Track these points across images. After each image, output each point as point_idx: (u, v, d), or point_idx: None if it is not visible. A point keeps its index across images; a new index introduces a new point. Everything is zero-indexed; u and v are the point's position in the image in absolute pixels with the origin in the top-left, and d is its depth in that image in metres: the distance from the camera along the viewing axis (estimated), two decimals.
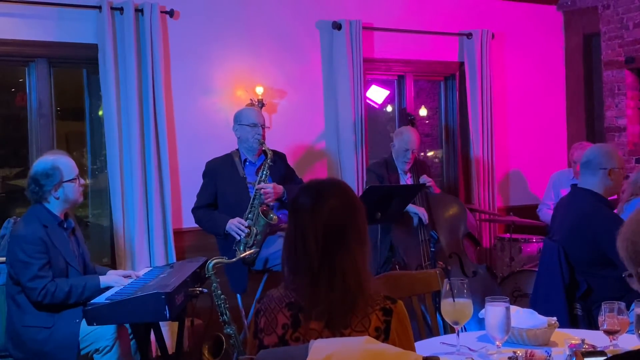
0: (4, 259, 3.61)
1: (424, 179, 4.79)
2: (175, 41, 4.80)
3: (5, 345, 3.49)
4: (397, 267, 4.59)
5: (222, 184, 4.29)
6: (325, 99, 5.32)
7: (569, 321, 3.27)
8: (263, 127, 4.32)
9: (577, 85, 6.37)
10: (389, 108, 6.39)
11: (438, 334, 2.83)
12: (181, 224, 4.79)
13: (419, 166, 4.93)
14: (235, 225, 4.12)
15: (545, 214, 5.36)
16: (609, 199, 3.44)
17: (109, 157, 4.52)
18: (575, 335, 2.40)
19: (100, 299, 3.21)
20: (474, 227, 4.97)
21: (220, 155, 4.40)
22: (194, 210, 4.37)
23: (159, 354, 3.67)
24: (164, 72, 4.68)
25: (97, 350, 3.35)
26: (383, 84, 5.84)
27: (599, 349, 2.11)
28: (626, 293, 2.72)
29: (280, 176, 4.35)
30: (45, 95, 4.51)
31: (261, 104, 4.89)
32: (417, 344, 2.14)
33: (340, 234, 1.87)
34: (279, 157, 4.43)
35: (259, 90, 4.93)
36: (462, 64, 5.90)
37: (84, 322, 3.23)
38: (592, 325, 3.11)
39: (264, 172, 4.19)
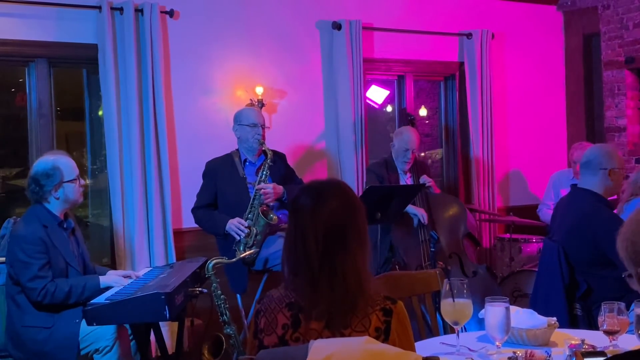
0: (3, 259, 3.61)
1: (424, 179, 4.79)
2: (175, 41, 4.80)
3: (5, 345, 3.49)
4: (397, 267, 4.59)
5: (222, 184, 4.29)
6: (325, 99, 5.32)
7: (569, 321, 3.27)
8: (263, 127, 4.32)
9: (577, 86, 6.37)
10: (389, 108, 6.40)
11: (438, 334, 2.83)
12: (181, 224, 4.79)
13: (419, 166, 4.93)
14: (235, 225, 4.12)
15: (545, 214, 5.36)
16: (608, 199, 3.44)
17: (109, 157, 4.52)
18: (575, 336, 2.40)
19: (100, 299, 3.21)
20: (474, 227, 4.97)
21: (220, 156, 4.40)
22: (193, 210, 4.37)
23: (159, 354, 3.68)
24: (164, 72, 4.68)
25: (97, 350, 3.35)
26: (383, 84, 5.84)
27: (598, 349, 2.11)
28: (626, 293, 2.72)
29: (280, 176, 4.35)
30: (45, 95, 4.51)
31: (261, 104, 4.89)
32: (417, 344, 2.14)
33: (340, 234, 1.87)
34: (278, 157, 4.43)
35: (259, 90, 4.93)
36: (462, 64, 5.90)
37: (83, 322, 3.22)
38: (592, 325, 3.11)
39: (264, 172, 4.19)
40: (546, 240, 3.61)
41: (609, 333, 2.28)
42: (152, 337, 3.58)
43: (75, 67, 4.87)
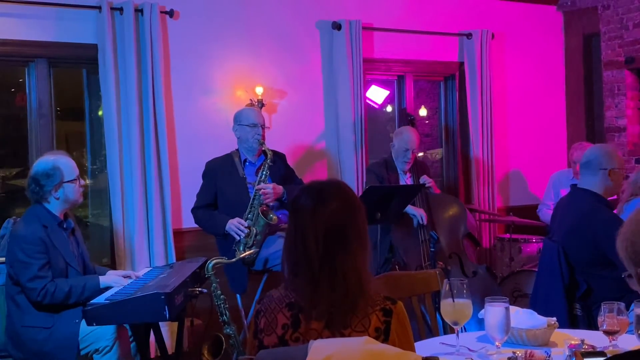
0: (3, 259, 3.61)
1: (424, 179, 4.79)
2: (175, 41, 4.80)
3: (5, 345, 3.49)
4: (397, 267, 4.59)
5: (222, 184, 4.29)
6: (325, 99, 5.32)
7: (569, 321, 3.27)
8: (263, 127, 4.32)
9: (577, 86, 6.37)
10: (389, 108, 6.40)
11: (438, 334, 2.83)
12: (181, 224, 4.79)
13: (418, 166, 4.93)
14: (235, 225, 4.12)
15: (545, 214, 5.36)
16: (608, 199, 3.44)
17: (109, 157, 4.52)
18: (575, 336, 2.40)
19: (100, 299, 3.21)
20: (474, 227, 4.97)
21: (220, 156, 4.40)
22: (193, 210, 4.37)
23: (159, 354, 3.67)
24: (164, 72, 4.68)
25: (96, 350, 3.35)
26: (383, 84, 5.84)
27: (598, 350, 2.11)
28: (626, 293, 2.72)
29: (280, 176, 4.35)
30: (45, 96, 4.51)
31: (261, 104, 4.89)
32: (417, 344, 2.14)
33: (340, 235, 1.87)
34: (278, 157, 4.43)
35: (259, 90, 4.93)
36: (462, 64, 5.90)
37: (83, 322, 3.23)
38: (592, 325, 3.11)
39: (264, 172, 4.19)
40: (546, 241, 3.61)
41: (608, 333, 2.28)
42: (152, 337, 3.58)
43: (75, 67, 4.87)
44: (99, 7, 4.45)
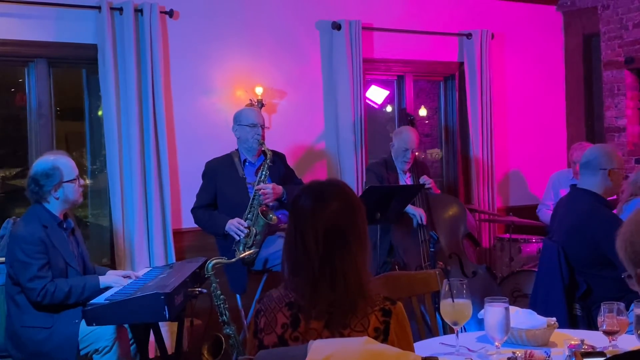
0: (3, 259, 3.61)
1: (424, 179, 4.79)
2: (174, 41, 4.80)
3: (5, 345, 3.49)
4: (396, 267, 4.59)
5: (222, 185, 4.29)
6: (325, 99, 5.32)
7: (569, 321, 3.27)
8: (262, 127, 4.32)
9: (577, 86, 6.37)
10: (389, 108, 6.39)
11: (437, 335, 2.83)
12: (181, 224, 4.79)
13: (418, 166, 4.93)
14: (235, 225, 4.12)
15: (545, 214, 5.36)
16: (608, 199, 3.44)
17: (109, 157, 4.52)
18: (575, 336, 2.39)
19: (100, 299, 3.21)
20: (474, 227, 4.97)
21: (220, 156, 4.40)
22: (193, 211, 4.37)
23: (159, 354, 3.67)
24: (164, 72, 4.68)
25: (96, 350, 3.35)
26: (383, 84, 5.83)
27: (598, 350, 2.11)
28: (626, 293, 2.72)
29: (280, 176, 4.35)
30: (45, 96, 4.51)
31: (261, 104, 4.89)
32: (417, 345, 2.15)
33: (340, 235, 1.87)
34: (278, 157, 4.43)
35: (259, 90, 4.92)
36: (461, 64, 5.90)
37: (83, 322, 3.22)
38: (592, 325, 3.11)
39: (264, 172, 4.19)
40: (546, 241, 3.61)
41: (608, 333, 2.28)
42: (152, 337, 3.58)
43: (74, 67, 4.87)
44: (99, 7, 4.45)
